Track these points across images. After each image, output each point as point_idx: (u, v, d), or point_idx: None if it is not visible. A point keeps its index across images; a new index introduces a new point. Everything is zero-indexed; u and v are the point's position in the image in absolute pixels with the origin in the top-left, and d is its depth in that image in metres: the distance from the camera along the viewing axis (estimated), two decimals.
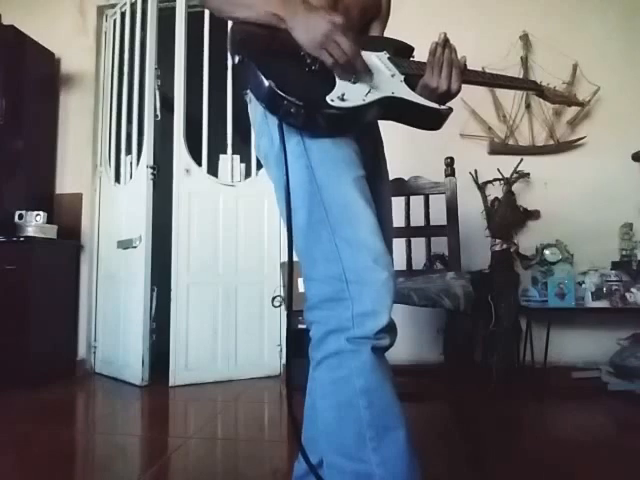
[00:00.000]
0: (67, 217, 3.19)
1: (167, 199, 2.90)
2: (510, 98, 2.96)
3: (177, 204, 2.87)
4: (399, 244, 2.50)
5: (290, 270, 0.95)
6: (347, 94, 0.89)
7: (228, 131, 3.04)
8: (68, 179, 3.27)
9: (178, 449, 1.78)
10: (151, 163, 2.90)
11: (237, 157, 3.07)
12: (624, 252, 2.77)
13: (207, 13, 2.97)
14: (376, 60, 1.01)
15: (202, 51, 3.01)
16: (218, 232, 2.95)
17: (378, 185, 1.07)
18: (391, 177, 2.65)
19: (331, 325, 0.87)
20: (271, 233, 3.03)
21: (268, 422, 2.22)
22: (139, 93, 3.04)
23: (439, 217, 2.44)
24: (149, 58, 2.98)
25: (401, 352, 2.71)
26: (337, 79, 0.92)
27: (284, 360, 2.93)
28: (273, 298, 2.93)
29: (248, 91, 0.98)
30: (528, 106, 2.98)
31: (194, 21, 2.98)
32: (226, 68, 3.00)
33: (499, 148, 2.95)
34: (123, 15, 3.24)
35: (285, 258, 2.73)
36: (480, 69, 1.17)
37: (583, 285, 2.59)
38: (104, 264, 3.21)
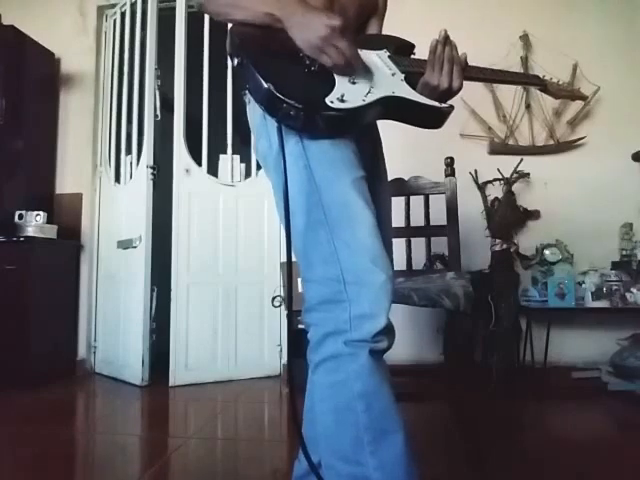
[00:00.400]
0: (67, 217, 3.19)
1: (167, 199, 2.90)
2: (510, 98, 2.96)
3: (177, 204, 2.87)
4: (399, 244, 2.50)
5: (289, 270, 0.95)
6: (347, 95, 0.89)
7: (228, 131, 3.04)
8: (68, 179, 3.27)
9: (178, 449, 1.77)
10: (151, 163, 2.90)
11: (237, 157, 3.07)
12: (624, 252, 2.77)
13: None
14: (376, 59, 1.01)
15: (202, 51, 3.01)
16: (218, 232, 2.95)
17: (377, 186, 1.07)
18: (391, 177, 2.65)
19: (329, 327, 0.86)
20: (271, 233, 3.03)
21: (268, 422, 2.22)
22: (139, 93, 3.04)
23: (439, 217, 2.44)
24: (149, 58, 2.98)
25: (401, 352, 2.71)
26: (336, 80, 0.91)
27: (284, 360, 2.93)
28: (273, 298, 2.93)
29: (247, 92, 0.98)
30: (528, 106, 2.98)
31: (194, 21, 2.98)
32: (226, 68, 3.00)
33: (499, 148, 2.95)
34: (123, 15, 3.24)
35: (285, 258, 2.73)
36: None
37: (583, 285, 2.59)
38: (104, 264, 3.21)
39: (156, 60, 3.00)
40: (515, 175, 2.82)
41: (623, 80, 2.92)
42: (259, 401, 2.53)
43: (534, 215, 2.90)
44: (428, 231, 2.49)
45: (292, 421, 0.95)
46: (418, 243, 2.51)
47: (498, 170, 2.82)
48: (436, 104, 0.98)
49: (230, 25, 0.97)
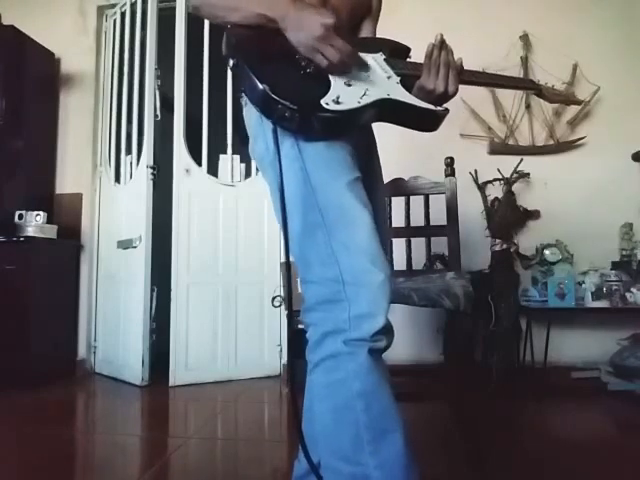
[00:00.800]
0: (67, 217, 3.19)
1: (167, 199, 2.90)
2: (510, 98, 2.96)
3: (177, 204, 2.87)
4: (399, 244, 2.50)
5: (288, 271, 0.95)
6: (342, 97, 0.89)
7: (228, 131, 3.04)
8: (68, 179, 3.27)
9: (178, 449, 1.78)
10: (151, 163, 2.90)
11: (237, 157, 3.07)
12: (624, 252, 2.77)
13: None
14: (372, 62, 1.01)
15: (202, 51, 3.00)
16: (218, 232, 2.95)
17: (372, 186, 1.07)
18: (391, 177, 2.66)
19: (328, 327, 0.86)
20: (271, 233, 3.02)
21: (268, 422, 2.22)
22: (139, 93, 3.03)
23: (439, 217, 2.44)
24: (149, 58, 2.98)
25: (401, 352, 2.71)
26: (332, 82, 0.91)
27: (284, 360, 2.93)
28: (273, 298, 2.93)
29: (243, 94, 0.98)
30: (528, 106, 2.98)
31: (194, 21, 2.98)
32: (226, 68, 2.98)
33: (499, 148, 2.95)
34: (123, 15, 3.24)
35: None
36: (480, 69, 1.17)
37: (583, 285, 2.59)
38: (104, 264, 3.21)
39: (156, 60, 3.00)
40: (515, 175, 2.82)
41: (623, 80, 2.92)
42: (259, 401, 2.53)
43: (534, 215, 2.90)
44: (428, 231, 2.49)
45: (293, 421, 0.95)
46: (418, 243, 2.51)
47: (498, 170, 2.82)
48: (431, 107, 0.98)
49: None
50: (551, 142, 2.95)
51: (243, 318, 2.93)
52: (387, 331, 0.86)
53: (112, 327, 3.04)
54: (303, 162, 0.90)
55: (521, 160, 2.81)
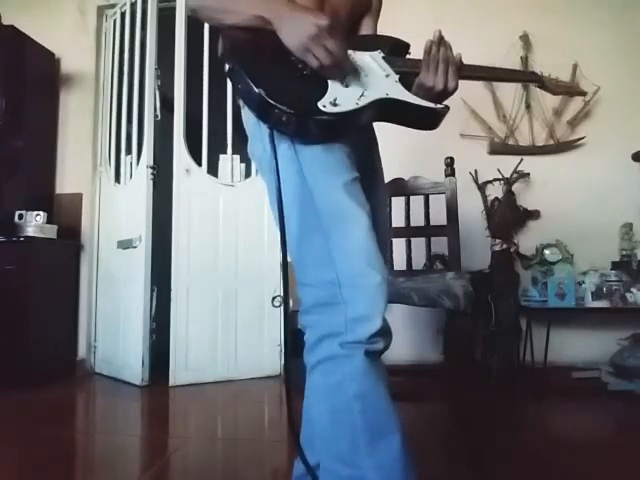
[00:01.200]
0: (67, 217, 3.19)
1: (167, 199, 2.89)
2: (510, 98, 2.97)
3: (177, 204, 2.87)
4: (399, 244, 2.50)
5: (285, 271, 0.93)
6: (339, 99, 0.88)
7: (228, 131, 3.04)
8: (68, 179, 3.26)
9: (178, 449, 1.78)
10: (151, 163, 2.89)
11: (237, 157, 3.07)
12: (624, 252, 2.77)
13: None
14: (370, 60, 1.00)
15: (202, 51, 3.00)
16: (218, 232, 2.95)
17: (373, 186, 1.06)
18: (391, 177, 2.65)
19: (324, 330, 0.86)
20: (271, 233, 3.02)
21: (268, 422, 2.22)
22: (139, 93, 3.03)
23: (439, 217, 2.44)
24: (149, 58, 2.98)
25: (401, 352, 2.72)
26: (329, 83, 0.90)
27: (284, 360, 2.93)
28: (273, 298, 2.93)
29: (240, 98, 0.98)
30: (528, 106, 2.98)
31: (194, 21, 2.98)
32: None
33: (499, 148, 2.95)
34: (123, 15, 3.24)
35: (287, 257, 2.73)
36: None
37: (583, 285, 2.59)
38: (104, 264, 3.21)
39: (156, 60, 3.00)
40: (515, 175, 2.82)
41: (623, 80, 2.92)
42: (259, 401, 2.53)
43: (534, 215, 2.90)
44: (428, 231, 2.49)
45: (289, 423, 0.94)
46: (418, 243, 2.51)
47: (498, 170, 2.82)
48: (431, 105, 0.97)
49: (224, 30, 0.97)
50: (551, 142, 2.95)
51: (243, 318, 2.93)
52: (384, 333, 0.85)
53: (112, 327, 3.04)
54: (300, 164, 0.89)
55: (521, 160, 2.81)
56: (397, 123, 1.00)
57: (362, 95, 0.91)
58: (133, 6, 3.16)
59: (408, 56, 1.07)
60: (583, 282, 2.60)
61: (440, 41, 0.98)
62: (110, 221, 3.18)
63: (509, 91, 2.95)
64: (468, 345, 2.62)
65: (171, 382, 2.72)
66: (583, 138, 2.91)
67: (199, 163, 2.97)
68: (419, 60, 1.00)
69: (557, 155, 2.94)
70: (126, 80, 3.17)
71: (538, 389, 2.49)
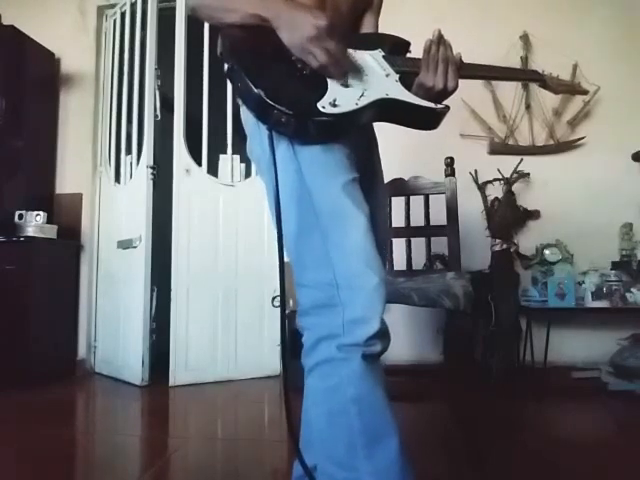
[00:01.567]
0: (67, 217, 3.19)
1: (167, 199, 2.89)
2: (510, 98, 2.96)
3: (177, 204, 2.87)
4: (399, 244, 2.50)
5: (282, 272, 0.92)
6: (339, 99, 0.87)
7: (228, 131, 3.04)
8: (68, 179, 3.27)
9: (178, 449, 1.78)
10: (151, 163, 2.89)
11: (237, 157, 3.07)
12: (624, 252, 2.77)
13: None
14: (370, 59, 0.99)
15: (202, 51, 3.00)
16: (218, 232, 2.95)
17: (372, 186, 1.06)
18: (391, 177, 2.66)
19: (322, 332, 0.86)
20: (271, 232, 3.01)
21: (268, 422, 2.21)
22: (139, 93, 3.03)
23: (439, 217, 2.44)
24: (149, 58, 2.98)
25: (401, 352, 2.72)
26: (329, 84, 0.89)
27: (282, 362, 2.92)
28: (273, 298, 2.93)
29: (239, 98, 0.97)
30: (528, 106, 2.98)
31: (194, 21, 2.98)
32: None
33: (499, 148, 2.95)
34: (123, 15, 3.24)
35: (285, 258, 2.73)
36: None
37: (583, 285, 2.59)
38: (104, 264, 3.21)
39: (156, 60, 3.00)
40: (515, 175, 2.82)
41: (623, 80, 2.91)
42: (259, 401, 2.53)
43: (534, 215, 2.90)
44: (428, 231, 2.49)
45: (288, 425, 0.94)
46: (418, 243, 2.51)
47: (498, 170, 2.82)
48: (431, 105, 0.96)
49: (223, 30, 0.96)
50: (551, 142, 2.95)
51: (243, 318, 2.93)
52: (382, 335, 0.84)
53: (112, 327, 3.04)
54: (299, 164, 0.89)
55: (521, 160, 2.81)
56: (397, 123, 1.00)
57: (362, 95, 0.90)
58: (133, 6, 3.16)
59: (408, 55, 1.07)
60: (583, 282, 2.60)
61: (440, 40, 0.98)
62: (110, 221, 3.18)
63: (509, 91, 2.95)
64: (468, 345, 2.62)
65: (171, 382, 2.72)
66: (583, 138, 2.91)
67: (199, 163, 2.97)
68: (419, 59, 0.99)
69: (557, 155, 2.94)
70: (126, 80, 3.17)
71: (538, 389, 2.49)
